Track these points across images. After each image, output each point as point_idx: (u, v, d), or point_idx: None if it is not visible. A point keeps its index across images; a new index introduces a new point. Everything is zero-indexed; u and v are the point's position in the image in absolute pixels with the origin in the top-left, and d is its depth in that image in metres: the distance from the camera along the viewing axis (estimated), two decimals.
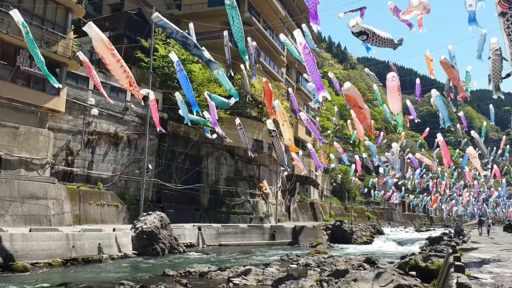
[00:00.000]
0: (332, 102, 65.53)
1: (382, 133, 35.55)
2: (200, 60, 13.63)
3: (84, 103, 26.70)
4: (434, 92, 20.79)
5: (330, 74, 22.84)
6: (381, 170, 51.49)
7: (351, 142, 49.43)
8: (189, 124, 20.65)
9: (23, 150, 21.35)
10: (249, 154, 24.00)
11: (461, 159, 46.47)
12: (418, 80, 20.87)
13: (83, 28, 10.76)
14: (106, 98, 17.58)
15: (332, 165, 46.00)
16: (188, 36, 11.92)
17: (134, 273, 16.21)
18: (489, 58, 9.71)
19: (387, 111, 24.63)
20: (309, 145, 29.20)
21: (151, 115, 28.27)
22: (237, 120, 20.69)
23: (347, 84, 12.23)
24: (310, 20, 10.20)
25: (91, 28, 10.60)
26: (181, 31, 11.72)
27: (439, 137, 24.13)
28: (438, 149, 39.66)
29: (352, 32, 9.35)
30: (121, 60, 11.71)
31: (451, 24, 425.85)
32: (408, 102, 24.07)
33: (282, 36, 17.55)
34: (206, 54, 12.59)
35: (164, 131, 22.77)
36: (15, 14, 13.21)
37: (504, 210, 73.58)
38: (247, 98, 22.82)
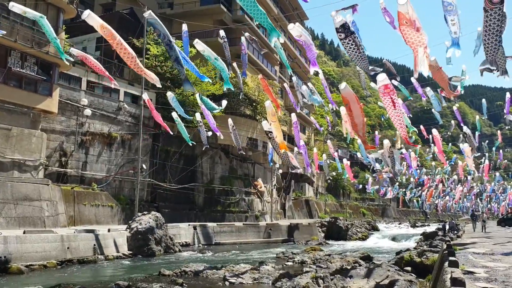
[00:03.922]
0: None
1: (376, 132, 35.64)
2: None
3: (77, 104, 26.55)
4: (428, 90, 20.90)
5: (320, 76, 22.81)
6: (377, 166, 51.49)
7: (347, 141, 49.48)
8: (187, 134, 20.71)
9: (16, 151, 21.20)
10: (240, 152, 24.03)
11: (455, 155, 46.84)
12: (413, 79, 20.91)
13: (82, 17, 10.33)
14: (109, 79, 15.94)
15: (324, 162, 45.93)
16: (173, 45, 11.48)
17: (129, 273, 16.16)
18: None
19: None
20: (302, 143, 29.14)
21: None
22: (230, 121, 20.62)
23: (343, 85, 12.07)
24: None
25: (91, 17, 10.30)
26: (170, 37, 11.39)
27: (435, 132, 24.32)
28: (433, 144, 39.86)
29: (336, 28, 9.50)
30: (123, 44, 11.08)
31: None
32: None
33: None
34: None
35: (158, 131, 22.62)
36: (15, 6, 13.03)
37: (497, 205, 73.99)
38: (240, 96, 22.80)
